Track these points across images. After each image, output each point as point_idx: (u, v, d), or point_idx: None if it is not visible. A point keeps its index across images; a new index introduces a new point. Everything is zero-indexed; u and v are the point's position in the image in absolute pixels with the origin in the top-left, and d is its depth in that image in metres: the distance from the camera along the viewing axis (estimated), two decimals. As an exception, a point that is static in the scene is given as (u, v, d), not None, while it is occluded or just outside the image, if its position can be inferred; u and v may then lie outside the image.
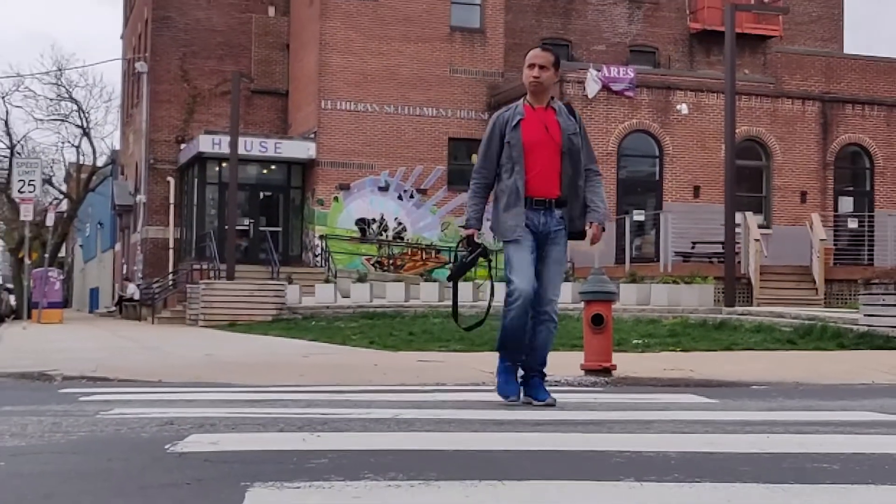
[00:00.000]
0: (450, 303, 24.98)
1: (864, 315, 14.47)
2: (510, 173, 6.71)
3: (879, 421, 5.82)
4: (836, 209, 32.32)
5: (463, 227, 7.02)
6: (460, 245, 7.04)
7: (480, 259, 6.85)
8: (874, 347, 13.17)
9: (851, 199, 33.04)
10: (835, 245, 29.80)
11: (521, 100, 6.93)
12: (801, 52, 37.25)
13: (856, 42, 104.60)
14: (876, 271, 17.58)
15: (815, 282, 26.33)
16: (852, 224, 31.94)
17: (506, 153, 6.75)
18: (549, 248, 6.72)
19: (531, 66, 6.79)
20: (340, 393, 7.90)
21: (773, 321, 17.08)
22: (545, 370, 6.93)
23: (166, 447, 4.45)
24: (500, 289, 7.30)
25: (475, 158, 34.34)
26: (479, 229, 6.87)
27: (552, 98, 6.93)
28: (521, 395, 6.76)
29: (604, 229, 6.89)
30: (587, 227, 6.78)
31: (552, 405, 6.56)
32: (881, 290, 14.16)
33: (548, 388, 8.63)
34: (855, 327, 14.47)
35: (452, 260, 7.16)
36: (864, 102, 33.03)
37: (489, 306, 7.27)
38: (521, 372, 6.84)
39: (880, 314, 13.99)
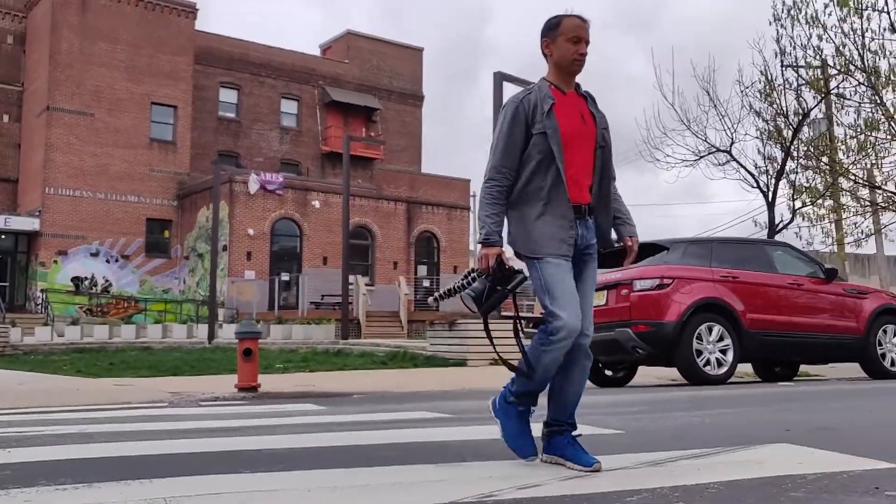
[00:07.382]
0: (147, 340, 22.49)
1: (431, 344, 15.03)
2: (544, 171, 3.37)
3: (431, 418, 5.96)
4: (415, 273, 33.88)
5: (482, 243, 3.37)
6: (480, 269, 3.35)
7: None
8: (436, 366, 13.64)
9: (426, 266, 34.80)
10: (415, 297, 31.15)
11: (541, 81, 3.50)
12: (394, 169, 39.02)
13: (429, 164, 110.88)
14: (439, 315, 18.52)
15: (401, 322, 27.27)
16: (426, 283, 33.62)
17: (536, 145, 3.37)
18: (586, 267, 3.47)
19: (577, 40, 3.40)
20: (44, 413, 6.96)
21: (373, 349, 17.30)
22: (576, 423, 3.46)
23: None
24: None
25: (167, 233, 32.20)
26: (503, 247, 3.40)
27: (578, 84, 3.54)
28: (543, 453, 3.43)
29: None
30: (627, 241, 3.57)
31: (598, 471, 3.20)
32: (441, 327, 14.83)
33: (210, 404, 8.10)
34: (425, 353, 14.93)
35: (458, 287, 3.42)
36: (433, 204, 35.03)
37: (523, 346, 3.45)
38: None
39: (440, 343, 14.62)
